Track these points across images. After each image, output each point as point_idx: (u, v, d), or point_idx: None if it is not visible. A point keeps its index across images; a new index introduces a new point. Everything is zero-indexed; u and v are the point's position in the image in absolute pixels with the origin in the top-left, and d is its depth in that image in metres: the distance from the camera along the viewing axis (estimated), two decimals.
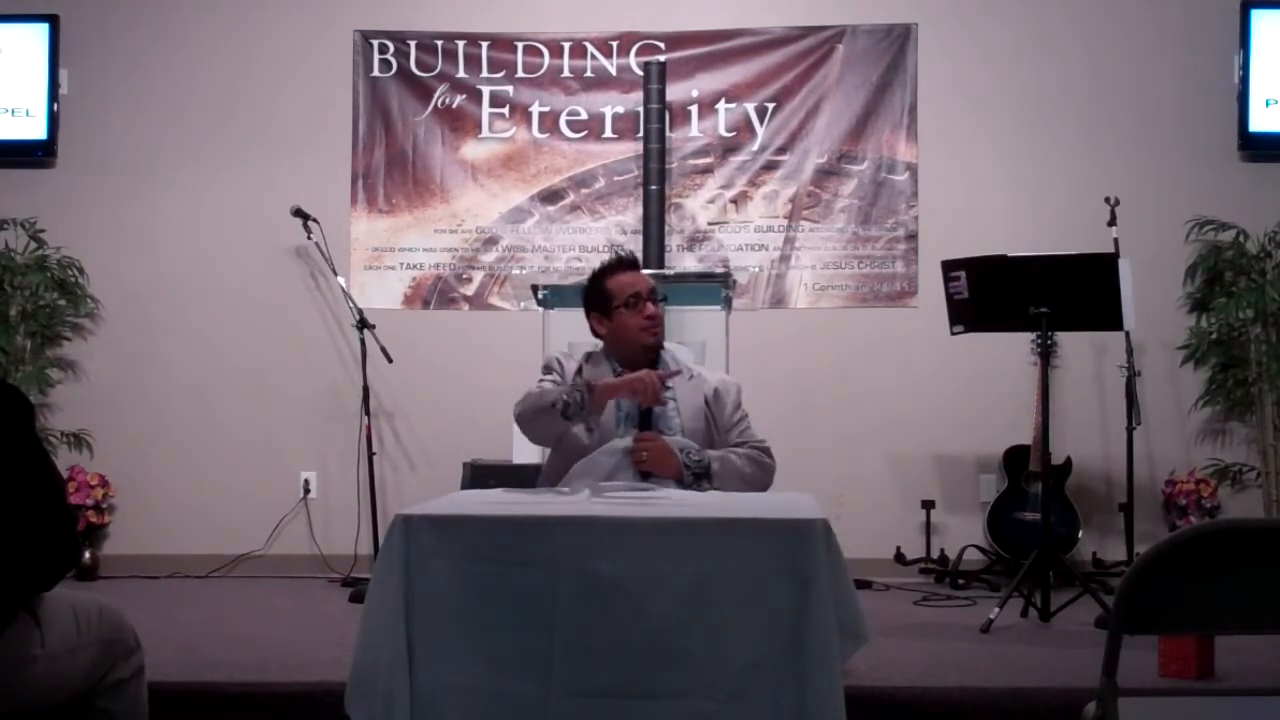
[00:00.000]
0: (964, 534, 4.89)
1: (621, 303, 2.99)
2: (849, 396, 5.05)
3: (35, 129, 5.09)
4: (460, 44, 5.17)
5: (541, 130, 5.16)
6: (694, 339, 4.15)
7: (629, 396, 2.81)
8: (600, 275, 3.05)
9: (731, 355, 4.20)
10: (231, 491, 5.06)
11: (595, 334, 3.07)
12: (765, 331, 5.00)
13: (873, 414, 5.04)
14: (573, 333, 3.91)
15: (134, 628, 2.22)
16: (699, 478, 2.85)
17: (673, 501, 2.51)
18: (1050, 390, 4.01)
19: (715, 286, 4.27)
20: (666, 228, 5.00)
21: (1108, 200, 4.62)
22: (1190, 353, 4.95)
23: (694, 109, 5.12)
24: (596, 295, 3.03)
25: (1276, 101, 4.96)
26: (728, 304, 4.23)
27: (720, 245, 5.12)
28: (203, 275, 5.13)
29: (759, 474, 2.94)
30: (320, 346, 5.14)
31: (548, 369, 3.04)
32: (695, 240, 5.13)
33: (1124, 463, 4.58)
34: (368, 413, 4.82)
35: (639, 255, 4.71)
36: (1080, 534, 4.70)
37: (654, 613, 2.08)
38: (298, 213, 4.92)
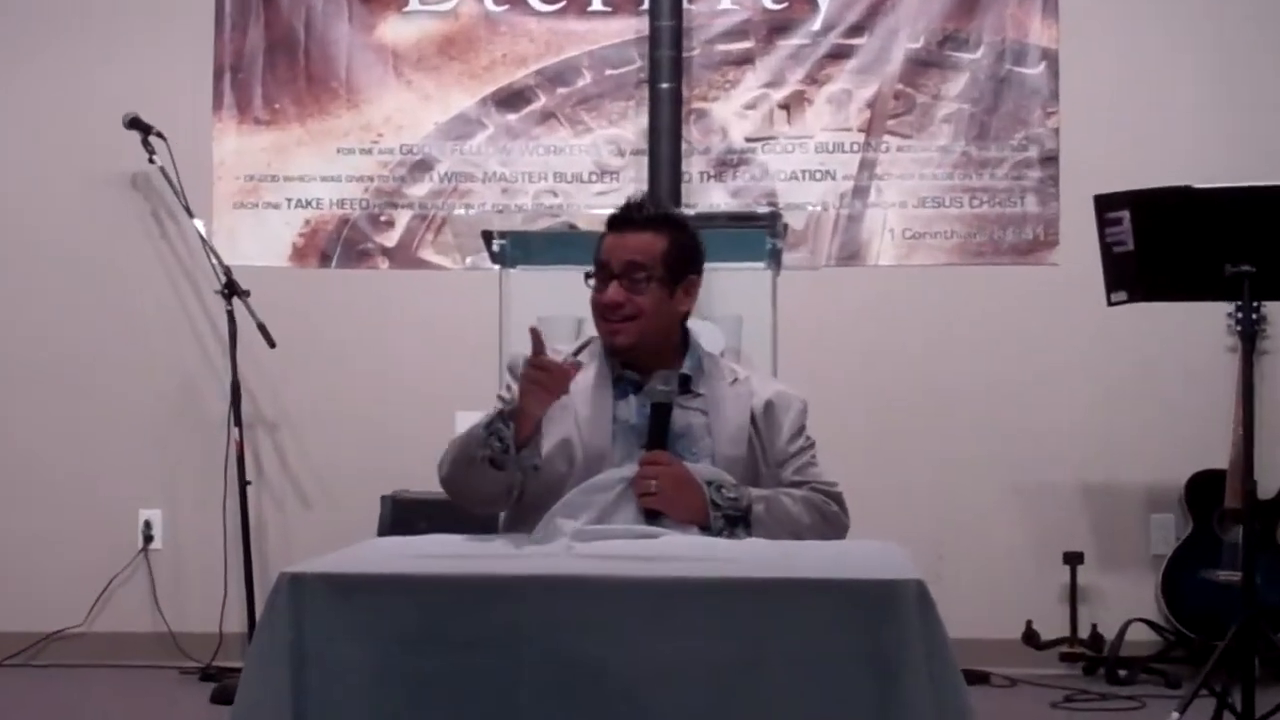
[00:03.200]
0: (1127, 602, 4.88)
1: (592, 276, 3.00)
2: (955, 398, 5.03)
3: None
4: None
5: (497, 1, 5.16)
6: (726, 312, 4.12)
7: (540, 401, 2.77)
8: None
9: (781, 335, 4.17)
10: (37, 541, 5.05)
11: None
12: (831, 301, 4.99)
13: (991, 424, 5.03)
14: (545, 302, 3.88)
15: None
16: (733, 523, 2.83)
17: (691, 554, 2.50)
18: (1256, 389, 3.99)
19: (757, 233, 4.24)
20: (684, 146, 4.99)
21: None
22: None
23: None
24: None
25: None
26: (775, 260, 4.21)
27: (764, 172, 5.10)
28: None
29: (821, 528, 2.91)
30: (167, 323, 5.13)
31: (514, 373, 3.03)
32: (727, 165, 5.12)
33: None
34: (238, 422, 4.81)
35: (644, 186, 4.77)
36: None
37: (666, 718, 2.08)
38: (134, 124, 4.90)
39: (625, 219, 3.03)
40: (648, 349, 2.99)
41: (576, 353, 3.04)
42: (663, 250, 2.98)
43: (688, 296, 3.03)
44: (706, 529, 2.81)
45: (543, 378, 2.73)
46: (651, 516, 2.80)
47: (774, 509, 2.88)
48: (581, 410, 2.95)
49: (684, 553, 2.51)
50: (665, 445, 2.89)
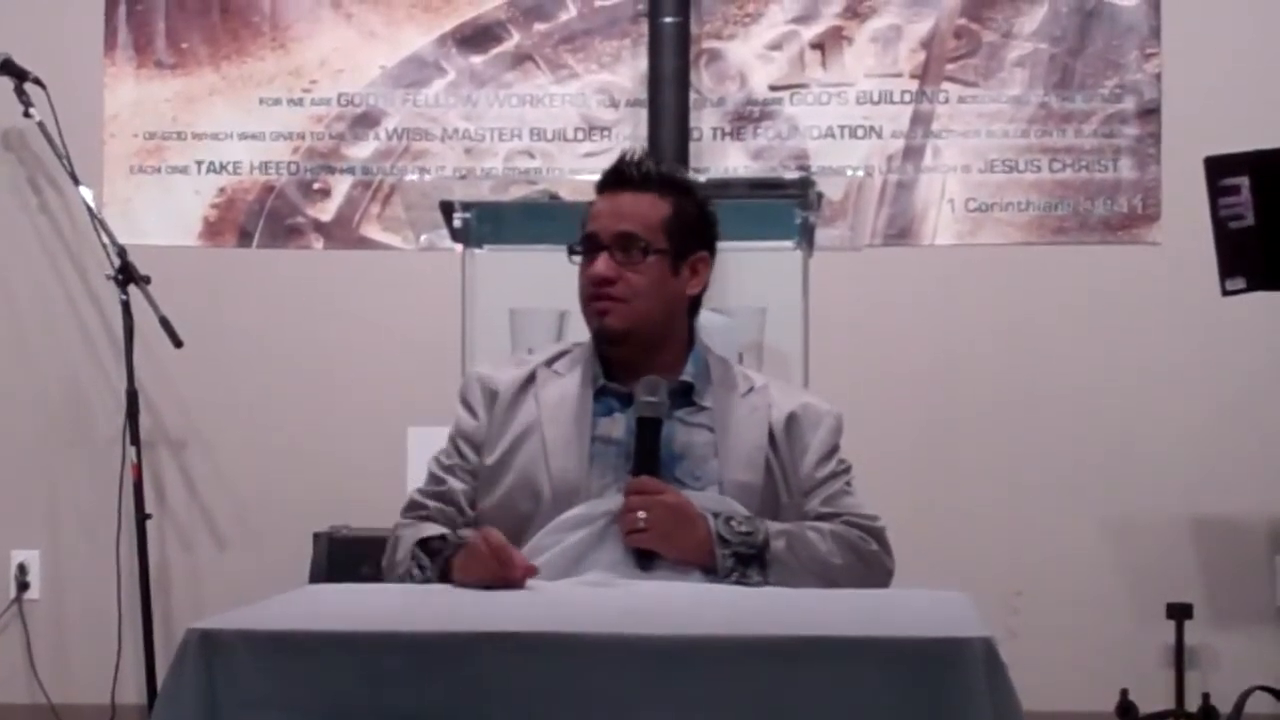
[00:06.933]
0: (1247, 666, 4.86)
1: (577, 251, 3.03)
2: (1032, 410, 5.03)
3: None
4: None
5: None
6: (745, 302, 4.13)
7: (472, 578, 2.72)
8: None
9: (814, 332, 4.17)
10: None
11: None
12: (876, 289, 5.00)
13: (1077, 443, 5.02)
14: (520, 290, 3.88)
15: None
16: (745, 563, 2.83)
17: (700, 604, 2.49)
18: None
19: (783, 205, 4.25)
20: (693, 95, 4.99)
21: None
22: None
23: None
24: None
25: None
26: (807, 238, 4.22)
27: (793, 129, 5.10)
28: None
29: (857, 571, 2.91)
30: (46, 317, 5.14)
31: (467, 406, 3.04)
32: (746, 119, 5.11)
33: None
34: (135, 441, 4.81)
35: (643, 146, 4.75)
36: None
37: None
38: (5, 68, 4.90)
39: (620, 177, 3.04)
40: (642, 343, 2.99)
41: (552, 361, 3.04)
42: (665, 217, 2.99)
43: (695, 278, 3.04)
44: (711, 571, 2.82)
45: (492, 566, 2.67)
46: (644, 558, 2.81)
47: (797, 546, 2.87)
48: (551, 431, 2.95)
49: (685, 603, 2.51)
50: (656, 470, 2.89)
